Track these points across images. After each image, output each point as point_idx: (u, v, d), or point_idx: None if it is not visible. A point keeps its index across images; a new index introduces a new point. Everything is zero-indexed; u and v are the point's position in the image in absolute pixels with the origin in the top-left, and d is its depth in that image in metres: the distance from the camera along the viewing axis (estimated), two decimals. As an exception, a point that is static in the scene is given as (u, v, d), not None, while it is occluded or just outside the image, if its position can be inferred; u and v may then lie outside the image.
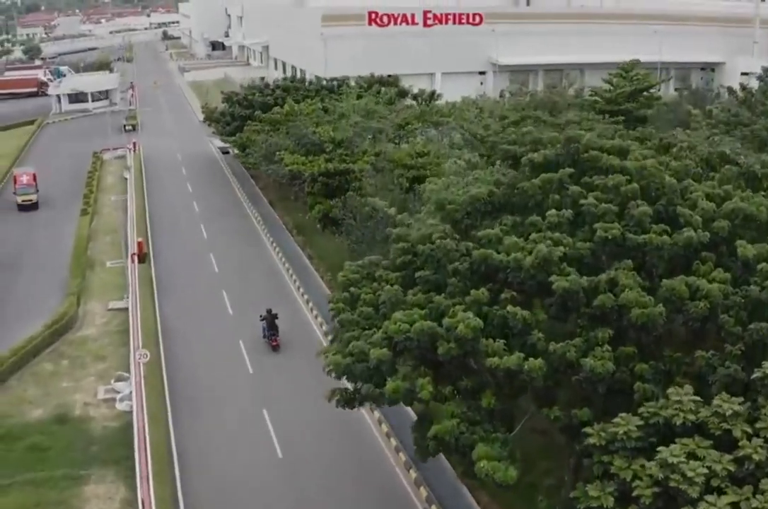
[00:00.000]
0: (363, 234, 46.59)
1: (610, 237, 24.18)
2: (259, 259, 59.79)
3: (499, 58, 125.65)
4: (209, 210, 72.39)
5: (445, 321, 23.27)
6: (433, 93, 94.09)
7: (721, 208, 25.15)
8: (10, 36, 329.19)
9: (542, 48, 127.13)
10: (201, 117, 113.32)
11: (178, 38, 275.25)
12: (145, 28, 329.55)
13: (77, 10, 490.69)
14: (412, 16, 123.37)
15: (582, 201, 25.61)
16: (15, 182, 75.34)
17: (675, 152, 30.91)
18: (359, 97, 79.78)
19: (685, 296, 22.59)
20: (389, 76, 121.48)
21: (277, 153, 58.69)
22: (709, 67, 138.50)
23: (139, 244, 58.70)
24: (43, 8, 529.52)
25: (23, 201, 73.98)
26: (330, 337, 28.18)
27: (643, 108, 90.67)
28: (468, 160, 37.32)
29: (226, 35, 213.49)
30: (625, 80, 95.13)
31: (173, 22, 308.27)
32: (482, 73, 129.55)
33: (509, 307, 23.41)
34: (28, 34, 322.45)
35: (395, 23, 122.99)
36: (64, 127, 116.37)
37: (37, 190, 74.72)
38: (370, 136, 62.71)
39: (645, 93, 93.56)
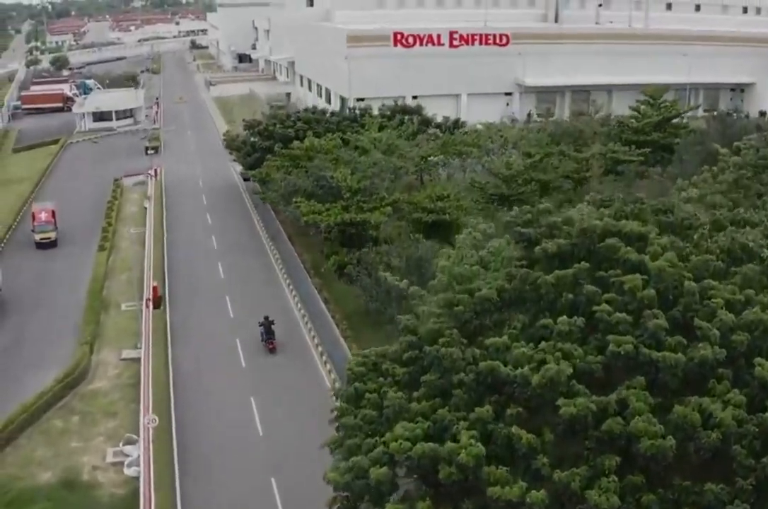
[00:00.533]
0: (377, 292, 45.83)
1: (622, 352, 23.23)
2: (275, 304, 58.89)
3: (526, 79, 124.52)
4: (227, 245, 71.81)
5: (447, 446, 22.41)
6: (456, 121, 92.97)
7: (741, 317, 24.11)
8: (39, 43, 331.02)
9: (569, 68, 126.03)
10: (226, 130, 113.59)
11: (206, 47, 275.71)
12: (174, 36, 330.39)
13: (107, 16, 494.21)
14: (438, 36, 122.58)
15: (596, 308, 24.63)
16: (33, 219, 73.74)
17: (696, 239, 29.80)
18: (381, 128, 79.04)
19: (697, 424, 21.65)
20: (414, 97, 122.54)
21: (295, 199, 57.94)
22: (739, 88, 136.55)
23: (154, 289, 58.16)
24: (73, 13, 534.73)
25: (41, 239, 72.27)
26: (333, 446, 27.20)
27: (670, 137, 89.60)
28: (483, 230, 36.23)
29: (253, 48, 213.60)
30: (653, 108, 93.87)
31: (201, 30, 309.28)
32: (508, 94, 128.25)
33: (514, 428, 22.53)
34: (57, 42, 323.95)
35: (421, 44, 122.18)
36: (87, 148, 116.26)
37: (56, 228, 73.07)
38: (390, 176, 61.77)
39: (673, 121, 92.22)
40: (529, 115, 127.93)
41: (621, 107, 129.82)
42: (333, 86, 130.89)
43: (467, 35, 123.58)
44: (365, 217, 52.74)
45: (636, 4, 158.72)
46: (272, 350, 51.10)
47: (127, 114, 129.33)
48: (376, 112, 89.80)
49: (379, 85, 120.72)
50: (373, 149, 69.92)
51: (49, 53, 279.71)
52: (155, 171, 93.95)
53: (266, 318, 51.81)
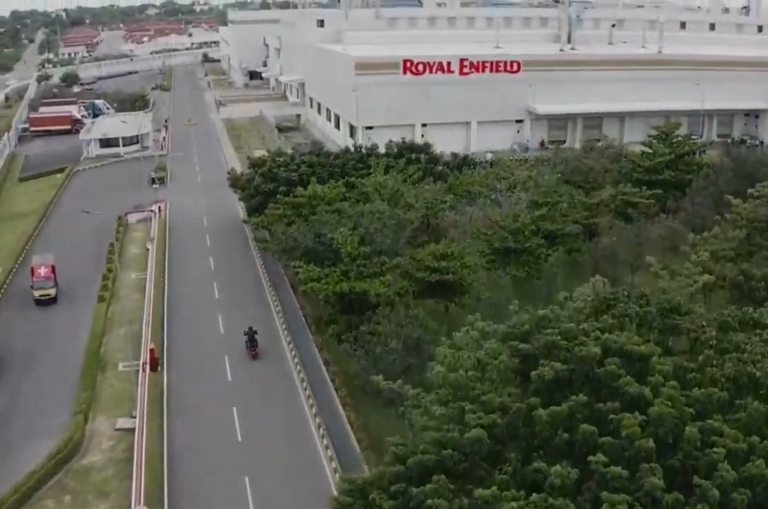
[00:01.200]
0: (375, 369, 44.60)
1: (616, 514, 21.95)
2: (275, 365, 57.83)
3: (537, 107, 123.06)
4: (229, 294, 70.72)
5: None
6: (465, 158, 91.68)
7: (743, 470, 22.78)
8: (52, 54, 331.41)
9: (581, 95, 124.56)
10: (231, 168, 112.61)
11: (218, 61, 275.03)
12: (186, 48, 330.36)
13: (121, 25, 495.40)
14: (448, 64, 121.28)
15: (591, 458, 23.32)
16: (32, 274, 70.48)
17: (701, 362, 28.43)
18: (387, 169, 77.87)
19: None
20: (424, 125, 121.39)
21: (293, 264, 56.69)
22: (753, 114, 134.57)
23: (151, 352, 57.00)
24: (87, 21, 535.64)
25: (41, 295, 69.32)
26: None
27: (683, 174, 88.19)
28: (481, 328, 34.95)
29: (264, 65, 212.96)
30: (665, 143, 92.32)
31: (214, 42, 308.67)
32: (519, 121, 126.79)
33: None
34: (69, 54, 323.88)
35: (431, 71, 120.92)
36: (93, 177, 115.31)
37: (56, 284, 70.23)
38: (392, 232, 60.47)
39: (686, 157, 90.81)
40: (542, 143, 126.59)
41: (633, 134, 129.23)
42: (342, 112, 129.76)
43: (478, 62, 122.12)
44: (364, 287, 51.40)
45: (650, 23, 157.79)
46: (255, 357, 58.82)
47: (134, 140, 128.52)
48: (383, 148, 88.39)
49: (388, 113, 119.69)
50: (378, 199, 68.74)
51: (61, 66, 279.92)
52: (159, 208, 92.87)
53: (250, 328, 59.78)
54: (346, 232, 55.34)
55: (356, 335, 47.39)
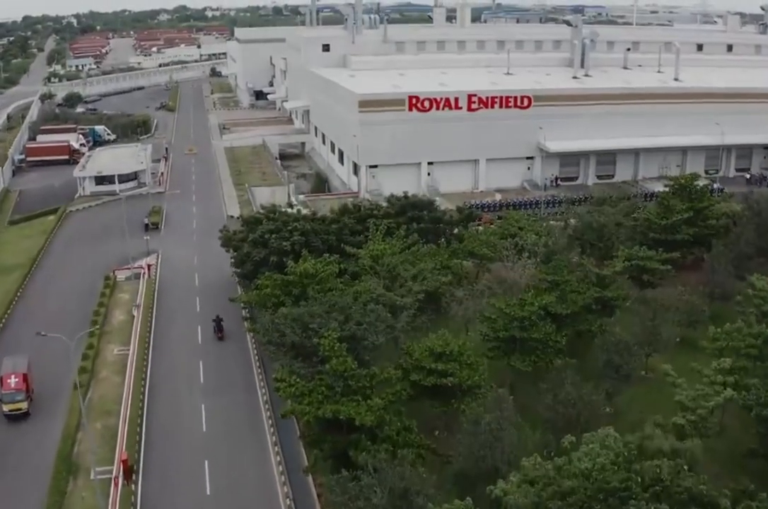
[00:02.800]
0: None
1: None
2: (259, 475, 53.14)
3: (548, 144, 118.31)
4: (215, 378, 66.01)
5: None
6: (470, 215, 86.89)
7: None
8: (59, 66, 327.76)
9: (594, 130, 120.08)
10: (228, 210, 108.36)
11: (227, 76, 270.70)
12: (195, 61, 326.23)
13: (132, 32, 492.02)
14: (456, 99, 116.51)
15: None
16: (1, 384, 61.35)
17: None
18: (388, 231, 73.25)
19: None
20: (430, 163, 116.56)
21: (275, 376, 51.84)
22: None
23: (124, 463, 52.32)
24: (98, 28, 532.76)
25: (10, 410, 60.63)
26: None
27: (702, 232, 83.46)
28: None
29: (271, 84, 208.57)
30: (682, 197, 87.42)
31: (223, 54, 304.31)
32: (530, 158, 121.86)
33: None
34: (77, 66, 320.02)
35: (437, 108, 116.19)
36: (85, 220, 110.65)
37: (29, 396, 61.64)
38: (385, 326, 55.78)
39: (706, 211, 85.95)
40: (554, 180, 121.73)
41: (648, 170, 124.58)
42: (345, 148, 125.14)
43: (486, 98, 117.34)
44: (349, 413, 46.38)
45: (665, 45, 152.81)
46: (221, 338, 72.08)
47: (130, 176, 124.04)
48: (384, 202, 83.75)
49: (393, 151, 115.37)
50: (373, 276, 64.25)
51: (67, 80, 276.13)
52: (148, 266, 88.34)
53: (218, 316, 72.90)
54: (333, 336, 50.41)
55: (337, 479, 42.37)
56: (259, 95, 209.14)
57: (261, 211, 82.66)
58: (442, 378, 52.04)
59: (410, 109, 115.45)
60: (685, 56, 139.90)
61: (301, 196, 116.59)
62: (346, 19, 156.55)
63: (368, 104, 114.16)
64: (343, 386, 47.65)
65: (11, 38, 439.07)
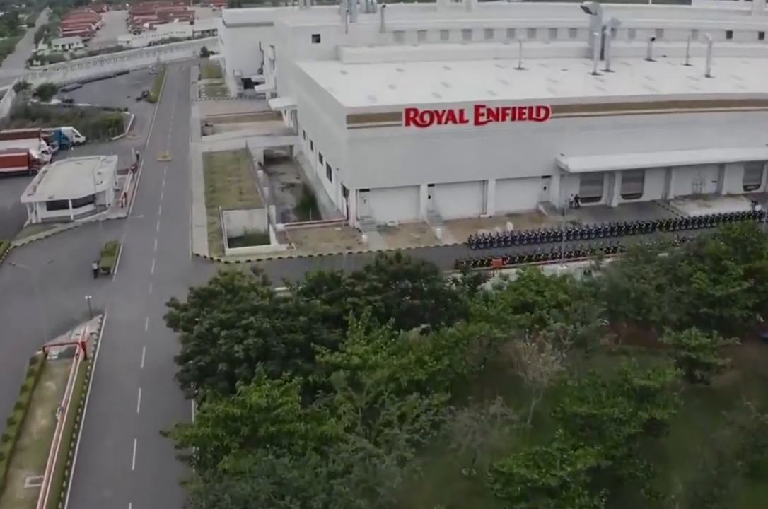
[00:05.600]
0: None
1: None
2: None
3: (569, 163, 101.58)
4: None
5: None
6: (477, 278, 70.46)
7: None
8: (45, 45, 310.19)
9: (620, 144, 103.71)
10: (195, 245, 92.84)
11: (217, 53, 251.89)
12: (188, 38, 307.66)
13: (127, 4, 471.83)
14: (461, 112, 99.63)
15: None
16: None
17: None
18: (368, 330, 57.07)
19: None
20: (431, 185, 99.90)
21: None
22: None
23: None
24: (93, 1, 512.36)
25: None
26: None
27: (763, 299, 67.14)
28: None
29: (260, 72, 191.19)
30: (735, 247, 71.06)
31: (216, 30, 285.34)
32: (547, 176, 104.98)
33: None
34: (63, 46, 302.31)
35: (439, 122, 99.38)
36: (28, 260, 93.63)
37: None
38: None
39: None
40: (574, 201, 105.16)
41: (681, 187, 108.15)
42: (334, 165, 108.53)
43: (497, 109, 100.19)
44: None
45: (693, 33, 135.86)
46: None
47: (88, 199, 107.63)
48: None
49: (387, 172, 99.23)
50: (350, 411, 48.11)
51: (50, 62, 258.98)
52: (83, 345, 72.09)
53: None
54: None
55: None
56: (248, 84, 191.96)
57: (219, 276, 66.23)
58: None
59: (407, 124, 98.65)
60: (714, 45, 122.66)
61: (281, 226, 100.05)
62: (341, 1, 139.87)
63: (358, 119, 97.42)
64: None
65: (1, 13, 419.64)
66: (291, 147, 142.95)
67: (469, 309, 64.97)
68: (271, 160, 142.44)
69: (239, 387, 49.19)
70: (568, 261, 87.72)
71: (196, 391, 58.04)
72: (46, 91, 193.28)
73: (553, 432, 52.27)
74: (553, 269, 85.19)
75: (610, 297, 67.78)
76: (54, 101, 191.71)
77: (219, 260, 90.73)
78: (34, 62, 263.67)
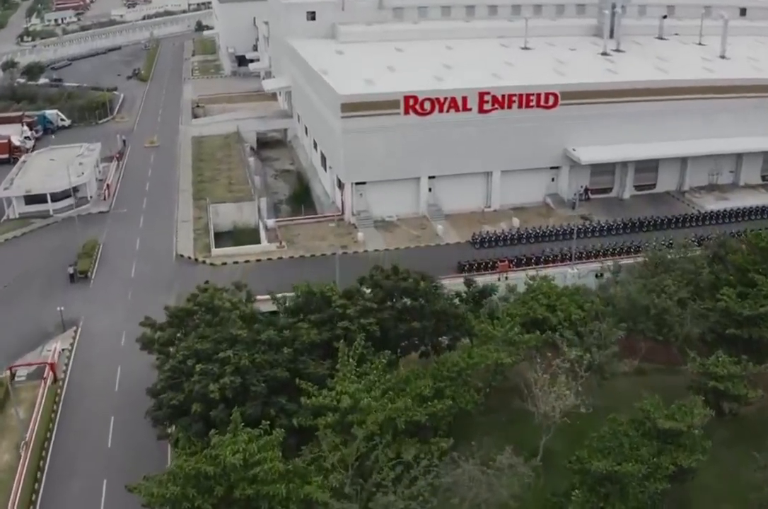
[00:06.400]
0: None
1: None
2: None
3: (579, 153, 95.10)
4: None
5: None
6: (483, 292, 64.34)
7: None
8: (37, 20, 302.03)
9: (634, 133, 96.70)
10: (179, 243, 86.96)
11: (212, 28, 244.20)
12: (183, 11, 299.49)
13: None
14: (464, 99, 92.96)
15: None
16: None
17: None
18: (361, 360, 50.99)
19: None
20: (432, 177, 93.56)
21: None
22: None
23: None
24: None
25: None
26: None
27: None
28: None
29: (255, 49, 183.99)
30: (764, 256, 64.97)
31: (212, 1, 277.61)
32: (555, 167, 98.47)
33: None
34: (56, 20, 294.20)
35: (441, 110, 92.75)
36: (4, 261, 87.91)
37: None
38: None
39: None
40: (584, 193, 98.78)
41: (697, 178, 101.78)
42: (328, 153, 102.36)
43: (502, 97, 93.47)
44: None
45: (706, 9, 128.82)
46: None
47: (68, 192, 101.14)
48: (365, 286, 60.99)
49: (385, 164, 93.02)
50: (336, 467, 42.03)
51: (41, 38, 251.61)
52: (51, 366, 65.92)
53: None
54: None
55: None
56: (242, 61, 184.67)
57: (198, 291, 60.05)
58: None
59: (407, 112, 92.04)
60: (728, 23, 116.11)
61: (271, 222, 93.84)
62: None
63: (353, 107, 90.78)
64: None
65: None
66: (285, 130, 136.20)
67: (473, 328, 58.91)
68: (264, 143, 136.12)
69: (213, 437, 43.10)
70: (579, 263, 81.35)
71: (168, 431, 51.95)
72: (33, 70, 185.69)
73: (564, 474, 46.78)
74: (563, 272, 79.44)
75: (628, 314, 61.67)
76: (42, 80, 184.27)
77: (204, 262, 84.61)
78: (25, 38, 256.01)
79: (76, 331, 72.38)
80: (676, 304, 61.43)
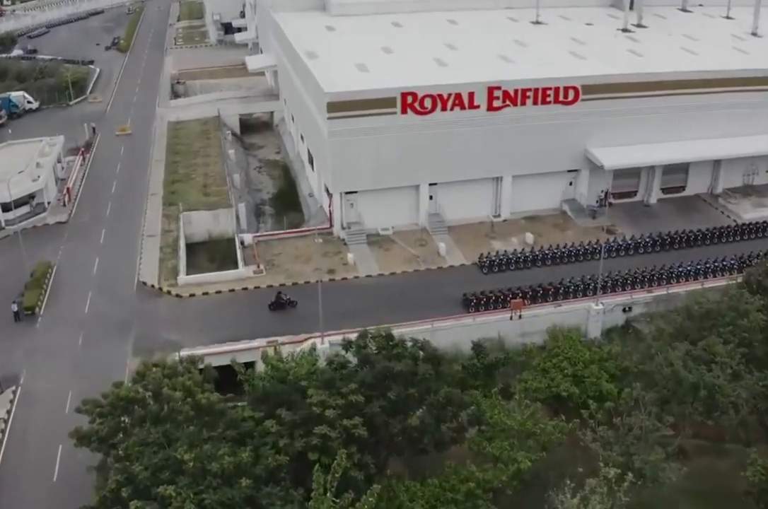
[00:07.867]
0: None
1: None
2: None
3: (601, 156, 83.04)
4: None
5: None
6: (495, 364, 52.91)
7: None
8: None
9: (662, 130, 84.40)
10: (143, 266, 75.84)
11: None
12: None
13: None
14: (471, 95, 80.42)
15: None
16: None
17: None
18: (344, 475, 39.72)
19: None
20: (432, 184, 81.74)
21: None
22: None
23: None
24: None
25: None
26: None
27: None
28: None
29: (242, 16, 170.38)
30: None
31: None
32: (573, 170, 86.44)
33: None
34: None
35: (444, 108, 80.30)
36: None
37: None
38: None
39: None
40: (604, 198, 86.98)
41: (731, 180, 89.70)
42: (315, 156, 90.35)
43: (515, 92, 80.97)
44: None
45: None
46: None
47: (23, 199, 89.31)
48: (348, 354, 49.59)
49: (379, 171, 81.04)
50: None
51: (21, 2, 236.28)
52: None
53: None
54: None
55: None
56: (229, 29, 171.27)
57: (146, 369, 48.71)
58: None
59: (404, 111, 79.65)
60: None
61: (249, 237, 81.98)
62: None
63: (343, 106, 78.44)
64: None
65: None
66: (272, 114, 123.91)
67: (483, 414, 47.67)
68: (248, 127, 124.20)
69: None
70: (604, 296, 69.73)
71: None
72: (5, 42, 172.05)
73: None
74: (586, 308, 68.14)
75: (673, 393, 50.32)
76: (15, 52, 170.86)
77: (169, 292, 72.91)
78: (5, 2, 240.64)
79: (15, 392, 61.04)
80: (729, 378, 49.99)
